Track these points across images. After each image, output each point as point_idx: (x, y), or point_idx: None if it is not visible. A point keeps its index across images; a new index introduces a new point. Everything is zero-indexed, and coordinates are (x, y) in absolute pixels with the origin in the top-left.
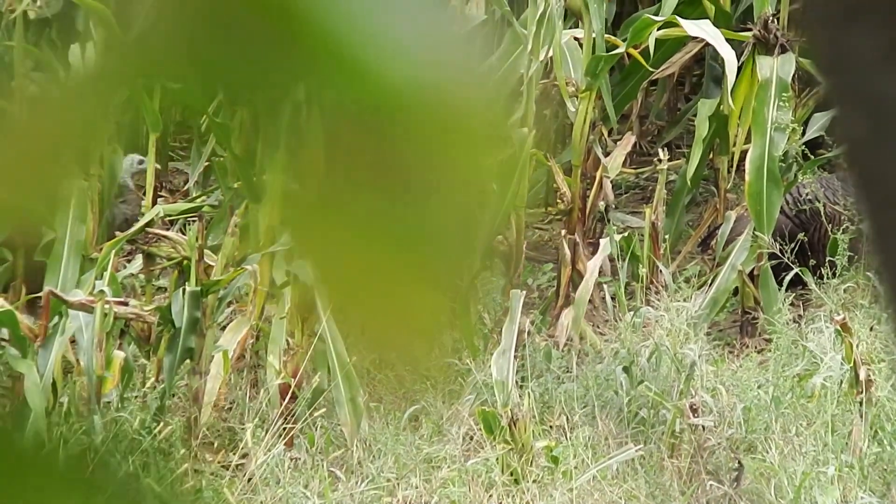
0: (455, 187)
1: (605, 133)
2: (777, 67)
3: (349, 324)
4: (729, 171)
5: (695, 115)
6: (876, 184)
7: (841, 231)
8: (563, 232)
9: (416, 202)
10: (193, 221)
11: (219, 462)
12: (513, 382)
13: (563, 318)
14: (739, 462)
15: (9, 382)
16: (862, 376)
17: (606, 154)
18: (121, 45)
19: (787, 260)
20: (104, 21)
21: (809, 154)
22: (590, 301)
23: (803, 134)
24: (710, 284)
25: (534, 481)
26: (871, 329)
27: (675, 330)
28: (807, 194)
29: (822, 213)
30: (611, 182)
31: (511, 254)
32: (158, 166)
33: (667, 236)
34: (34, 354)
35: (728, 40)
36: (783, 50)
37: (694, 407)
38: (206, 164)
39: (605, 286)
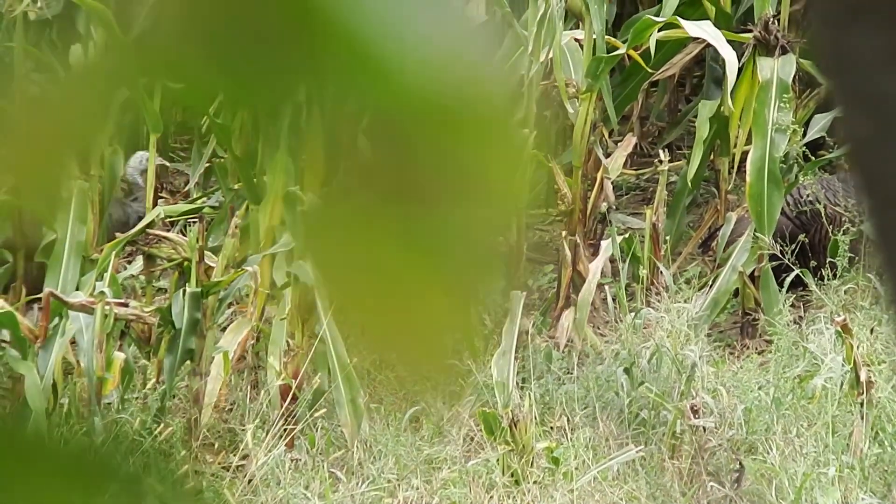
0: (481, 193)
1: (606, 134)
2: (778, 68)
3: (364, 334)
4: (730, 173)
5: (695, 117)
6: (879, 183)
7: (842, 232)
8: (564, 233)
9: (439, 208)
10: (194, 223)
11: (219, 463)
12: (513, 383)
13: (563, 319)
14: (740, 463)
15: (9, 384)
16: (863, 377)
17: (607, 155)
18: (129, 42)
19: (787, 261)
20: (105, 22)
21: (810, 155)
22: (591, 302)
23: (804, 135)
24: (711, 286)
25: (534, 482)
26: (872, 330)
27: (675, 331)
28: (807, 195)
29: (822, 215)
30: (611, 183)
31: (512, 255)
32: (168, 164)
33: (667, 237)
34: (34, 356)
35: (728, 41)
36: (784, 51)
37: (695, 408)
38: (207, 165)
39: (605, 287)
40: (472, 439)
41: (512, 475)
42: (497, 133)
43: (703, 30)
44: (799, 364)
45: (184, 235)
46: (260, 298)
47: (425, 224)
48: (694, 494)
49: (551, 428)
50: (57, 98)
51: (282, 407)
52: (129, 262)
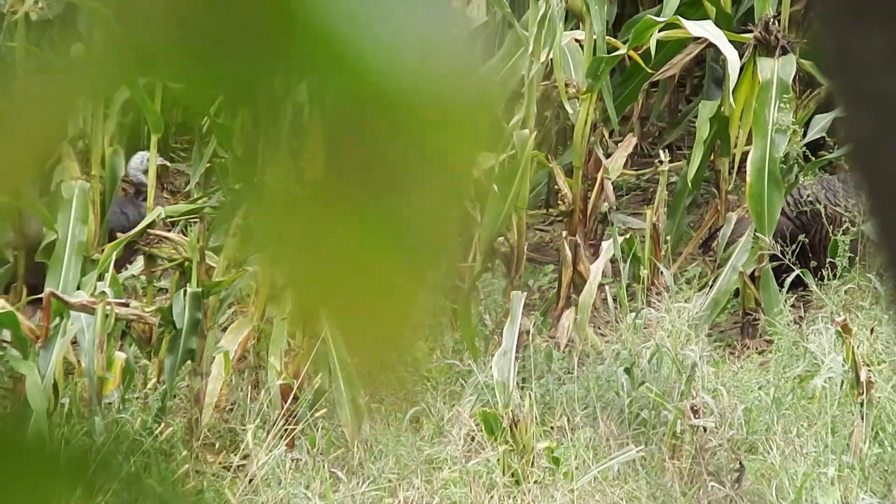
0: (439, 182)
1: (607, 134)
2: (778, 69)
3: (323, 313)
4: (730, 173)
5: (696, 117)
6: (880, 183)
7: (842, 232)
8: (565, 233)
9: (397, 192)
10: (195, 223)
11: (220, 463)
12: (514, 383)
13: (564, 319)
14: (740, 463)
15: (10, 383)
16: (863, 377)
17: (607, 156)
18: (115, 41)
19: (787, 261)
20: (105, 23)
21: (810, 155)
22: (591, 303)
23: (804, 135)
24: (711, 286)
25: (535, 482)
26: (872, 330)
27: (676, 331)
28: (808, 196)
29: (822, 215)
30: (612, 183)
31: (512, 255)
32: (168, 164)
33: (668, 238)
34: (35, 355)
35: (729, 42)
36: (784, 51)
37: (695, 408)
38: (208, 165)
39: (606, 287)
40: (472, 439)
41: (512, 475)
42: (456, 121)
43: (704, 29)
44: (799, 364)
45: (185, 236)
46: (261, 298)
47: (383, 205)
48: (694, 494)
49: (552, 428)
50: (54, 93)
51: (282, 407)
52: (131, 263)
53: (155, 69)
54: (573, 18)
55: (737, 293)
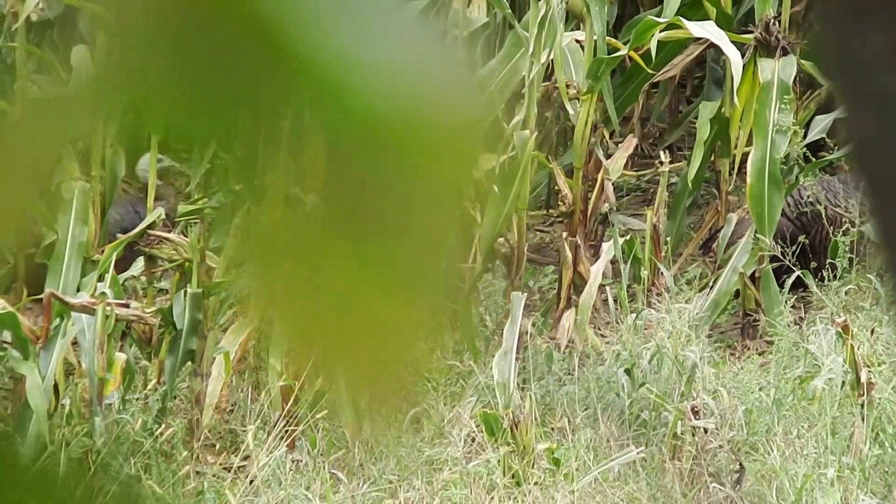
0: (430, 211)
1: (607, 135)
2: (778, 70)
3: (313, 349)
4: (730, 174)
5: (696, 118)
6: (881, 183)
7: (842, 233)
8: (565, 234)
9: (389, 225)
10: (195, 223)
11: (220, 464)
12: (514, 384)
13: (564, 320)
14: (741, 464)
15: (10, 384)
16: (863, 378)
17: (608, 156)
18: (98, 67)
19: (788, 262)
20: (104, 25)
21: (811, 156)
22: (592, 303)
23: (805, 136)
24: (712, 287)
25: (535, 483)
26: (873, 331)
27: (676, 332)
28: (808, 197)
29: (823, 216)
30: (612, 184)
31: (512, 256)
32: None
33: (668, 238)
34: (36, 356)
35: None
36: (784, 52)
37: (695, 409)
38: (208, 166)
39: (606, 288)
40: (472, 440)
41: (513, 476)
42: (448, 153)
43: (706, 30)
44: (799, 365)
45: (185, 236)
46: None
47: (375, 239)
48: (695, 495)
49: (552, 429)
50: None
51: (283, 408)
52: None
53: (143, 108)
54: (573, 19)
55: (737, 294)
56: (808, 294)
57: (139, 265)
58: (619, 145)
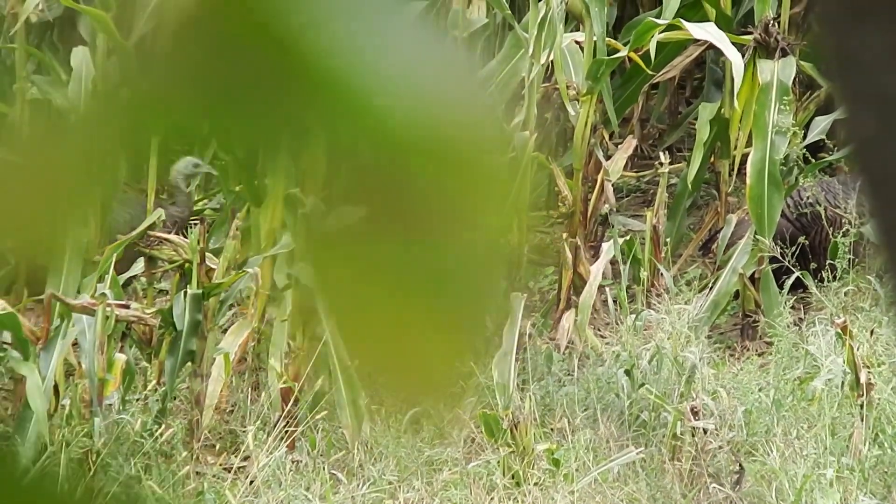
0: (470, 228)
1: (607, 136)
2: (778, 71)
3: (366, 371)
4: (730, 175)
5: (696, 119)
6: (882, 184)
7: (842, 234)
8: (565, 235)
9: (433, 245)
10: (195, 224)
11: (220, 465)
12: (514, 385)
13: (564, 320)
14: (740, 465)
15: (11, 385)
16: (862, 379)
17: (608, 157)
18: (116, 89)
19: (787, 263)
20: (105, 27)
21: (810, 157)
22: (591, 304)
23: (804, 137)
24: (711, 287)
25: (535, 484)
26: (872, 332)
27: (676, 333)
28: (808, 198)
29: (822, 217)
30: (612, 185)
31: (512, 257)
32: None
33: (668, 239)
34: (36, 357)
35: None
36: (784, 53)
37: (695, 410)
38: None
39: (606, 289)
40: (472, 441)
41: (513, 477)
42: (492, 172)
43: (707, 32)
44: (799, 366)
45: (185, 237)
46: (261, 300)
47: (420, 260)
48: (694, 496)
49: (552, 429)
50: (51, 146)
51: (283, 409)
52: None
53: (161, 120)
54: (573, 20)
55: (737, 295)
56: (807, 295)
57: (138, 266)
58: (619, 146)
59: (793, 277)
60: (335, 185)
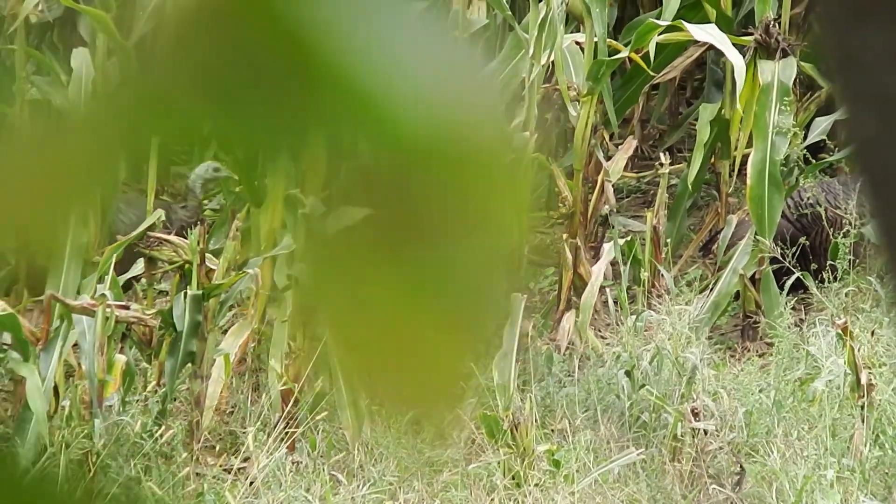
0: (479, 230)
1: (607, 137)
2: (778, 71)
3: (368, 376)
4: (730, 176)
5: (696, 120)
6: (883, 184)
7: (842, 235)
8: (565, 236)
9: (441, 249)
10: (195, 225)
11: (220, 466)
12: (514, 386)
13: (564, 321)
14: (741, 466)
15: (11, 386)
16: (863, 380)
17: (608, 158)
18: (123, 86)
19: (788, 264)
20: (105, 28)
21: (811, 158)
22: (592, 305)
23: (805, 138)
24: (712, 288)
25: (535, 485)
26: (873, 333)
27: (676, 334)
28: (808, 198)
29: (823, 218)
30: (612, 186)
31: (513, 258)
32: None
33: (668, 240)
34: (36, 358)
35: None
36: (784, 54)
37: (695, 411)
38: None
39: (606, 290)
40: (473, 442)
41: (513, 478)
42: (498, 175)
43: (708, 33)
44: (800, 367)
45: (185, 238)
46: (261, 301)
47: (427, 265)
48: (695, 497)
49: (552, 431)
50: (53, 147)
51: (283, 410)
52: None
53: (168, 118)
54: (574, 21)
55: (737, 296)
56: (808, 296)
57: (138, 267)
58: (620, 147)
59: (793, 278)
60: (338, 186)
